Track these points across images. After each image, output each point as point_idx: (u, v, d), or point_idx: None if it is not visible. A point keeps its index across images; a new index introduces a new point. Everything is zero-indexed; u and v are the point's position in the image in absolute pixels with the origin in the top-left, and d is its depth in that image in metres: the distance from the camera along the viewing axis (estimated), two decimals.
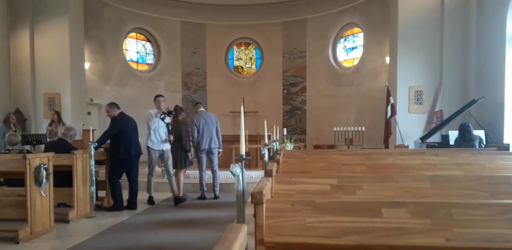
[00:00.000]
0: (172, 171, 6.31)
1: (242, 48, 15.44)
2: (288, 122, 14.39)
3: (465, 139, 6.35)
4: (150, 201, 6.23)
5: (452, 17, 9.19)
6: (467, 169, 3.68)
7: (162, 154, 6.29)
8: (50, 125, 8.59)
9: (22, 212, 4.25)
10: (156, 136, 6.19)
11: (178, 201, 5.99)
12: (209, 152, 6.60)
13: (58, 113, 8.70)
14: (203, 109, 6.90)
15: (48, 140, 8.18)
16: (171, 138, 6.20)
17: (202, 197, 6.52)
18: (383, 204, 1.97)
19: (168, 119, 6.30)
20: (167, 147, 6.31)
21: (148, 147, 6.25)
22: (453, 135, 7.38)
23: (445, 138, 7.96)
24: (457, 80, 9.24)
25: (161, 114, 6.17)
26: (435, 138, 8.75)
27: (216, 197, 6.52)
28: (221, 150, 6.75)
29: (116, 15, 12.72)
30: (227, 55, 15.23)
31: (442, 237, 1.82)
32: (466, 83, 9.20)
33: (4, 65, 9.70)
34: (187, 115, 7.45)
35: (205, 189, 6.58)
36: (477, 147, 6.23)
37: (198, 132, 6.49)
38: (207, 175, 6.66)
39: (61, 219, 4.92)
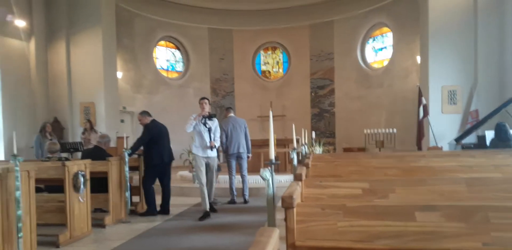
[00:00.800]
0: (215, 183, 5.95)
1: (269, 52, 15.50)
2: (317, 125, 14.28)
3: (501, 139, 6.11)
4: (211, 209, 5.70)
5: (486, 13, 8.88)
6: (506, 171, 3.53)
7: (207, 161, 5.80)
8: (83, 133, 8.92)
9: (62, 217, 4.42)
10: (200, 141, 5.75)
11: (204, 216, 5.46)
12: (238, 157, 6.66)
13: (90, 122, 9.00)
14: (233, 114, 6.97)
15: (84, 147, 8.49)
16: (214, 143, 5.73)
17: (232, 202, 6.58)
18: (417, 208, 1.93)
19: (210, 123, 5.78)
20: (212, 154, 5.81)
21: (193, 154, 5.93)
22: (489, 135, 7.10)
23: (482, 138, 7.66)
24: (493, 78, 8.90)
25: (202, 118, 5.70)
26: (471, 139, 8.45)
27: (245, 202, 6.57)
28: (250, 155, 6.79)
29: (146, 24, 13.09)
30: (254, 60, 15.32)
31: (479, 241, 1.76)
32: (502, 81, 8.84)
33: (43, 76, 10.19)
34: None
35: (235, 193, 6.65)
36: None
37: (227, 137, 6.56)
38: (237, 179, 6.72)
39: (98, 223, 5.09)
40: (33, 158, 7.85)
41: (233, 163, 6.67)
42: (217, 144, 5.87)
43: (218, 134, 5.95)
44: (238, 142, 6.58)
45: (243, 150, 6.62)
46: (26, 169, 3.77)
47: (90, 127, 8.91)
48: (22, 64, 9.67)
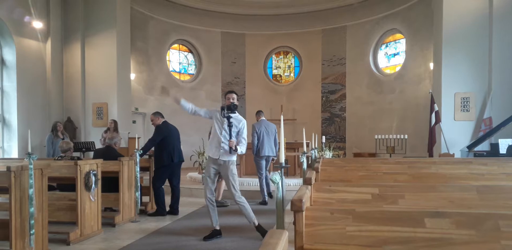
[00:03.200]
0: (238, 195, 4.49)
1: (281, 56, 15.53)
2: (327, 130, 14.24)
3: None
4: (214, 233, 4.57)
5: (502, 20, 8.78)
6: None
7: (218, 169, 4.54)
8: (105, 132, 8.98)
9: (72, 215, 4.49)
10: (214, 138, 4.55)
11: (212, 235, 4.51)
12: (266, 160, 6.92)
13: (115, 122, 9.07)
14: (264, 118, 7.19)
15: (101, 146, 8.57)
16: (233, 143, 4.38)
17: (264, 202, 6.70)
18: (426, 214, 1.93)
19: (235, 120, 4.50)
20: (226, 156, 4.47)
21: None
22: (503, 143, 7.01)
23: (495, 146, 7.56)
24: (508, 85, 8.78)
25: (223, 111, 4.47)
26: (484, 147, 8.33)
27: (271, 196, 7.02)
28: (276, 158, 6.97)
29: (160, 27, 13.24)
30: (266, 64, 15.37)
31: (488, 249, 1.75)
32: None
33: (58, 77, 10.37)
34: None
35: (265, 194, 6.82)
36: None
37: (258, 140, 6.77)
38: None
39: (108, 222, 5.15)
40: (46, 156, 7.96)
41: (263, 164, 6.86)
42: (241, 148, 4.47)
43: (244, 136, 4.59)
44: (269, 145, 6.83)
45: (272, 153, 6.87)
46: (39, 167, 3.84)
47: (114, 127, 8.96)
48: (38, 64, 9.86)
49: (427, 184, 3.22)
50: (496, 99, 8.83)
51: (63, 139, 8.13)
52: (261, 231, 4.34)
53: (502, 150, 6.87)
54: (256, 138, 6.75)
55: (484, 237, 1.79)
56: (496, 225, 1.82)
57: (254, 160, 6.96)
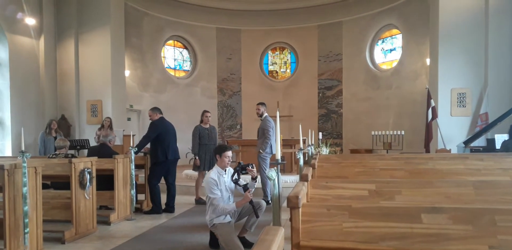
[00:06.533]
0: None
1: (277, 52, 15.48)
2: (324, 126, 14.23)
3: None
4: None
5: (498, 15, 8.79)
6: None
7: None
8: (99, 129, 8.92)
9: (67, 214, 4.46)
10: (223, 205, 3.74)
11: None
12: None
13: (111, 120, 9.00)
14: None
15: (95, 143, 8.52)
16: (250, 194, 3.69)
17: (268, 202, 6.13)
18: (423, 210, 1.92)
19: (243, 181, 3.78)
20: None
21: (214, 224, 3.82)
22: (499, 138, 7.02)
23: (491, 141, 7.58)
24: (504, 81, 8.81)
25: (233, 175, 3.77)
26: (480, 142, 8.36)
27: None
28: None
29: (154, 23, 13.14)
30: (262, 60, 15.32)
31: (485, 244, 1.74)
32: None
33: (52, 74, 10.28)
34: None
35: (269, 193, 6.37)
36: None
37: (270, 136, 6.46)
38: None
39: (103, 221, 5.12)
40: (38, 155, 7.89)
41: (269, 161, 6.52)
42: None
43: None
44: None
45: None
46: (33, 165, 3.80)
47: (109, 124, 8.90)
48: (31, 61, 9.76)
49: (424, 179, 3.21)
50: (492, 95, 8.85)
51: (55, 137, 8.05)
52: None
53: (499, 145, 6.88)
54: (270, 134, 6.38)
55: (480, 232, 1.78)
56: (492, 220, 1.81)
57: (261, 157, 6.43)
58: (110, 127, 8.86)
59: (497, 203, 2.57)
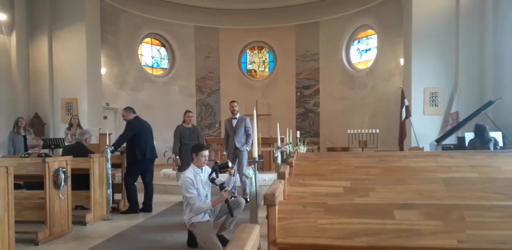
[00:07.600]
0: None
1: (256, 51, 15.51)
2: (302, 125, 14.38)
3: (482, 140, 6.20)
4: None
5: (468, 17, 9.09)
6: (483, 171, 3.64)
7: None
8: (68, 129, 8.74)
9: (41, 215, 4.35)
10: (201, 204, 3.74)
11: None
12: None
13: (78, 117, 8.83)
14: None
15: (66, 143, 8.34)
16: (228, 194, 3.70)
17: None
18: (395, 206, 1.98)
19: (221, 178, 3.84)
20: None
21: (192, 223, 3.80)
22: (469, 136, 7.26)
23: (461, 140, 7.85)
24: (474, 81, 9.12)
25: (211, 174, 3.78)
26: (451, 140, 8.63)
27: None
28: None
29: (131, 21, 12.95)
30: (241, 59, 15.32)
31: (454, 238, 1.81)
32: (483, 84, 9.07)
33: (24, 71, 9.98)
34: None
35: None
36: (491, 148, 6.11)
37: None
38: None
39: (79, 221, 5.02)
40: (7, 154, 7.65)
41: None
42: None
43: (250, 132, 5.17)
44: None
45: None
46: (4, 165, 3.69)
47: (78, 122, 8.72)
48: (2, 58, 9.45)
49: (397, 177, 3.30)
50: (462, 94, 9.15)
51: (24, 135, 7.82)
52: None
53: (468, 142, 7.12)
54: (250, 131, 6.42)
55: (450, 227, 1.86)
56: (461, 215, 1.88)
57: (244, 155, 6.42)
58: (79, 125, 8.70)
59: (466, 199, 2.67)
